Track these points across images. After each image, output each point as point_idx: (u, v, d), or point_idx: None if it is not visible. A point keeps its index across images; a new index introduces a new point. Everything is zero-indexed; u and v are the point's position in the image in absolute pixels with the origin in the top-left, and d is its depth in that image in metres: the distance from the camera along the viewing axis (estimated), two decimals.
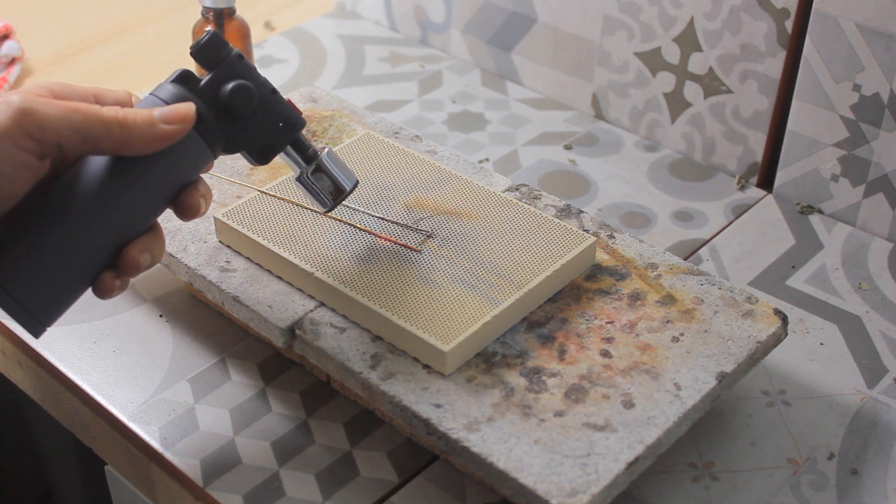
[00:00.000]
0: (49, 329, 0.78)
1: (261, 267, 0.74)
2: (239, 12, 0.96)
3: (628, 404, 0.65)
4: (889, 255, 0.87)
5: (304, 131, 0.85)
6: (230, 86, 0.65)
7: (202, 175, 0.67)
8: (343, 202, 0.73)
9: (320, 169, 0.70)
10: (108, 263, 0.62)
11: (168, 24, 1.20)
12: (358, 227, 0.75)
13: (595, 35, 1.00)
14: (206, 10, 0.94)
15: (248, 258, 0.75)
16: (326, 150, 0.71)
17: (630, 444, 0.63)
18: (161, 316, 0.79)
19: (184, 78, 0.65)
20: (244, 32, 0.96)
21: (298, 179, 0.70)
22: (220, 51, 0.65)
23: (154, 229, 0.64)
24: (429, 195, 0.78)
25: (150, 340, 0.77)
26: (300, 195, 0.77)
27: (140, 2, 1.24)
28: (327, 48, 1.14)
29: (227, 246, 0.76)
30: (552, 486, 0.60)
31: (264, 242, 0.73)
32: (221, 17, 0.94)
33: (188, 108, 0.62)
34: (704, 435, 0.71)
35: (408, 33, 1.16)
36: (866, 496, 0.68)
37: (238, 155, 0.84)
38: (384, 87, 1.07)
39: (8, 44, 1.08)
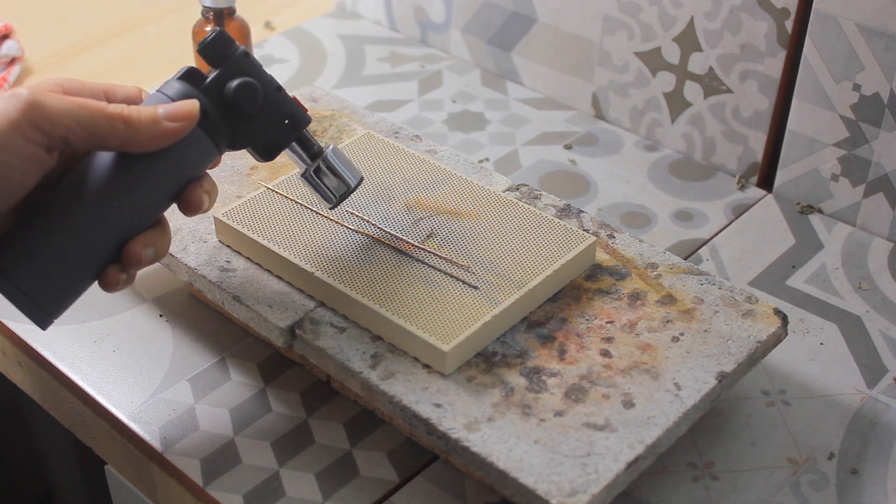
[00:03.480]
0: (50, 329, 0.78)
1: (261, 267, 0.74)
2: (239, 12, 0.96)
3: (628, 404, 0.65)
4: (889, 255, 0.87)
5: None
6: (235, 83, 0.65)
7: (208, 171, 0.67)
8: (353, 211, 0.73)
9: (325, 166, 0.70)
10: (113, 257, 0.63)
11: (168, 24, 1.20)
12: (398, 248, 0.75)
13: (595, 35, 1.00)
14: (206, 9, 0.94)
15: (248, 258, 0.75)
16: (332, 146, 0.71)
17: (630, 443, 0.63)
18: (161, 316, 0.79)
19: (190, 75, 0.65)
20: (244, 32, 0.96)
21: (304, 176, 0.71)
22: (226, 48, 0.66)
23: (160, 224, 0.65)
24: (429, 195, 0.78)
25: (150, 340, 0.77)
26: (302, 193, 0.77)
27: (140, 2, 1.24)
28: (327, 48, 1.14)
29: (227, 246, 0.76)
30: (552, 486, 0.60)
31: (264, 242, 0.73)
32: (221, 17, 0.94)
33: (192, 105, 0.63)
34: (704, 435, 0.71)
35: (408, 33, 1.16)
36: (866, 496, 0.68)
37: (238, 154, 0.84)
38: (384, 87, 1.07)
39: (8, 44, 1.08)
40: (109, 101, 0.65)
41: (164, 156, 0.63)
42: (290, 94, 0.69)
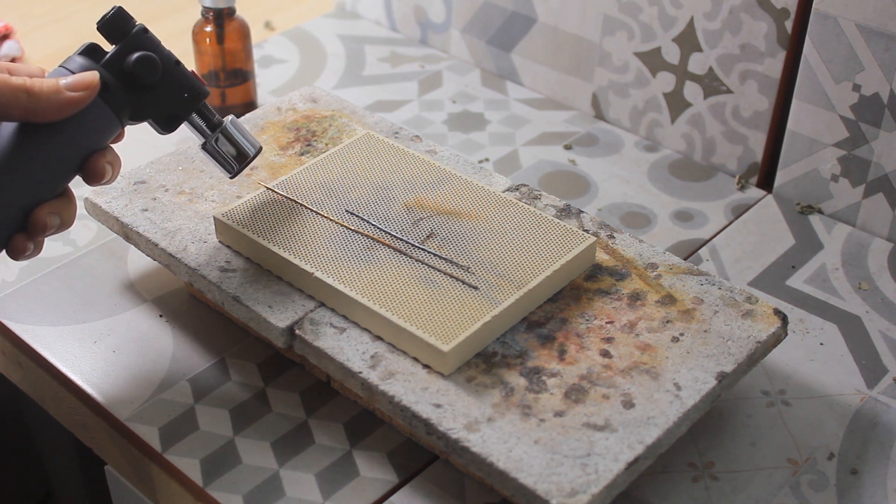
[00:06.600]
0: (49, 328, 0.78)
1: (261, 267, 0.74)
2: (239, 12, 0.96)
3: (628, 404, 0.65)
4: (889, 255, 0.87)
5: (298, 129, 0.85)
6: (134, 56, 0.67)
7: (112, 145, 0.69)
8: (353, 211, 0.73)
9: (225, 136, 0.73)
10: (20, 226, 0.65)
11: (168, 24, 1.20)
12: (398, 248, 0.75)
13: (595, 35, 1.00)
14: (206, 10, 0.94)
15: (248, 258, 0.75)
16: (230, 118, 0.74)
17: (630, 444, 0.63)
18: (161, 316, 0.79)
19: (90, 51, 0.68)
20: (244, 32, 0.96)
21: (204, 147, 0.73)
22: (124, 25, 0.68)
23: (66, 195, 0.67)
24: (429, 195, 0.78)
25: (150, 340, 0.77)
26: (302, 193, 0.77)
27: (140, 2, 1.24)
28: (327, 48, 1.14)
29: (227, 246, 0.76)
30: (552, 486, 0.60)
31: (264, 242, 0.73)
32: (221, 17, 0.94)
33: (92, 76, 0.65)
34: (704, 435, 0.71)
35: (408, 33, 1.16)
36: (866, 496, 0.68)
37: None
38: (384, 87, 1.07)
39: (8, 44, 1.08)
40: (11, 75, 0.67)
41: (67, 126, 0.65)
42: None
